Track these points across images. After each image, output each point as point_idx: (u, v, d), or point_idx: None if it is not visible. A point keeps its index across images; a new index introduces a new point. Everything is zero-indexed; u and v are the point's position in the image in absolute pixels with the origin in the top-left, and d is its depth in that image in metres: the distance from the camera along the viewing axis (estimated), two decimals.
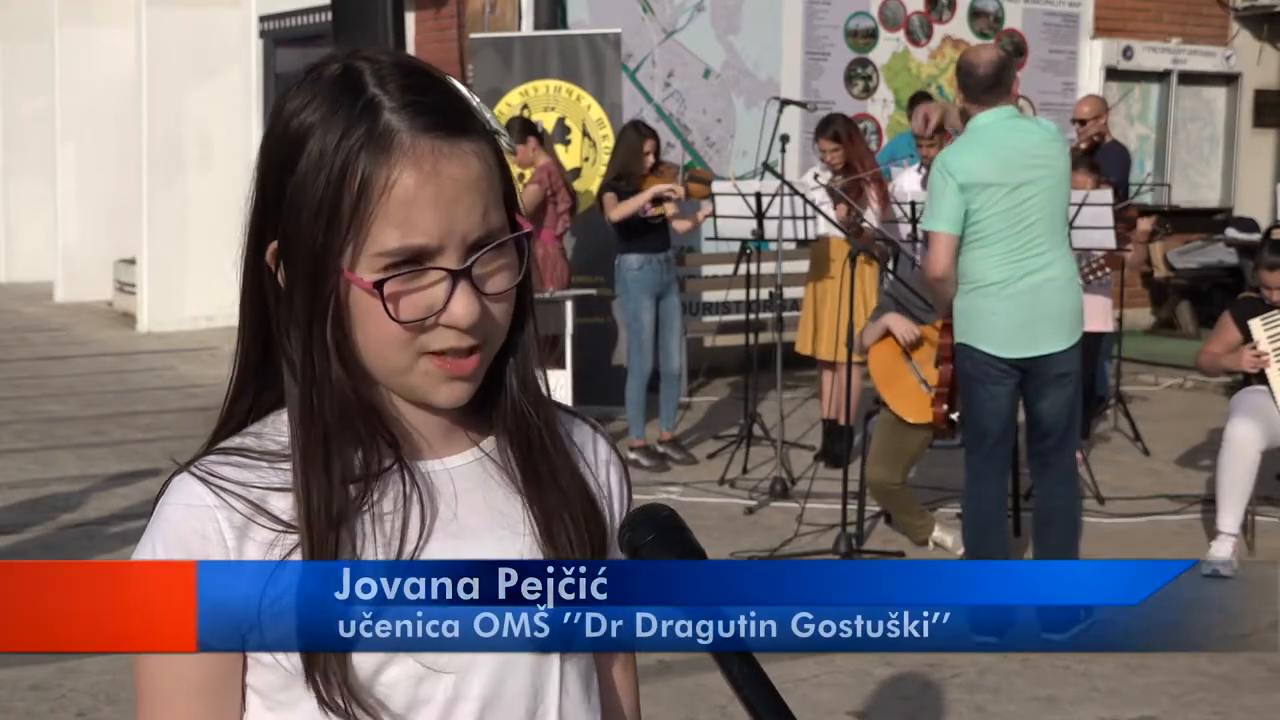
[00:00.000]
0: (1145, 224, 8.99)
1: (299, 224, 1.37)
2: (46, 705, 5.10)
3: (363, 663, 1.37)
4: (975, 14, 13.24)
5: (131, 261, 15.05)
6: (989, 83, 5.90)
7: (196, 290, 14.40)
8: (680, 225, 9.18)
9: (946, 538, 6.96)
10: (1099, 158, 9.55)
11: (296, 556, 1.37)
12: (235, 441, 1.44)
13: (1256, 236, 12.66)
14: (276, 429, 1.45)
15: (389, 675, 1.38)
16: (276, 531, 1.38)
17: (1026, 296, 5.85)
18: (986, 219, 5.85)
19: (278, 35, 12.55)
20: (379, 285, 1.35)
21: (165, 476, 1.45)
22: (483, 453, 1.49)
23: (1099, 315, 8.79)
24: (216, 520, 1.38)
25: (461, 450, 1.48)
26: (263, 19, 12.58)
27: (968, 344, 5.99)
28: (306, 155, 1.37)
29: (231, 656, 1.39)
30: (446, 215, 1.35)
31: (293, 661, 1.37)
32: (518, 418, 1.49)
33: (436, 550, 1.40)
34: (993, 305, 5.88)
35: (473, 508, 1.45)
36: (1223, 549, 6.77)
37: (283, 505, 1.39)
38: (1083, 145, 9.85)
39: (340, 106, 1.37)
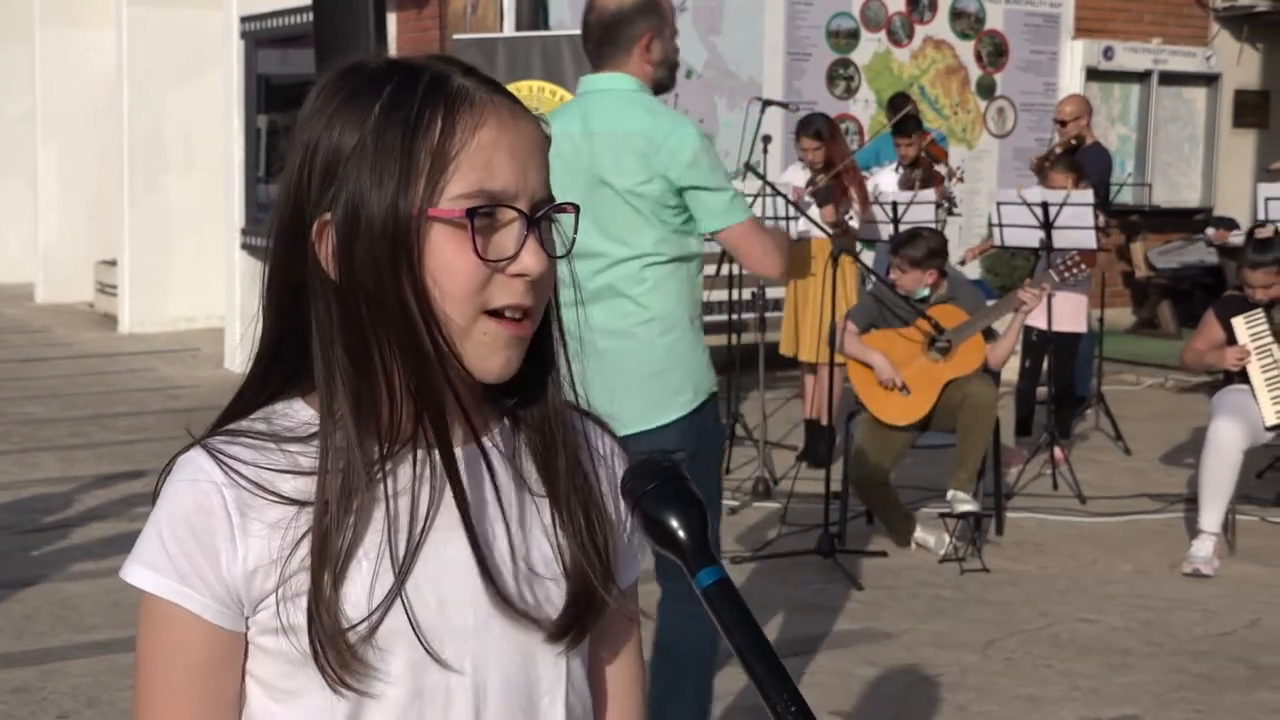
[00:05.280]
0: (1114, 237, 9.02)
1: (368, 181, 1.36)
2: (28, 708, 5.08)
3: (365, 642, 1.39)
4: (956, 14, 13.26)
5: (113, 263, 15.01)
6: (597, 36, 4.07)
7: (178, 292, 14.37)
8: None
9: (929, 538, 6.97)
10: (1079, 158, 9.57)
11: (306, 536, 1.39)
12: (244, 425, 1.45)
13: (1237, 235, 12.71)
14: (287, 415, 1.45)
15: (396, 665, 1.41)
16: (286, 509, 1.39)
17: (588, 349, 3.70)
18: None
19: (259, 36, 12.50)
20: (470, 214, 1.36)
21: (149, 478, 1.45)
22: (495, 441, 1.49)
23: (1072, 315, 8.81)
24: (222, 496, 1.39)
25: (476, 437, 1.47)
26: (244, 20, 12.52)
27: None
28: (371, 124, 1.37)
29: (232, 637, 1.41)
30: (521, 167, 1.39)
31: (300, 644, 1.38)
32: (541, 407, 1.50)
33: (441, 536, 1.41)
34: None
35: (481, 495, 1.45)
36: (1204, 548, 6.80)
37: (290, 486, 1.40)
38: (1058, 149, 9.87)
39: (404, 84, 1.39)
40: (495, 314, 1.38)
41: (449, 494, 1.42)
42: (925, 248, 7.01)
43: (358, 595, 1.38)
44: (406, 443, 1.41)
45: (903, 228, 8.71)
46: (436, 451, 1.42)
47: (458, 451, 1.44)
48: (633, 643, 1.64)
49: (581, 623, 1.48)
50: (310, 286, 1.41)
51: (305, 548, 1.38)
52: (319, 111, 1.41)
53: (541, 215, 1.40)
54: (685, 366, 4.02)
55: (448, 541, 1.42)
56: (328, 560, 1.37)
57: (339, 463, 1.39)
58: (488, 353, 1.39)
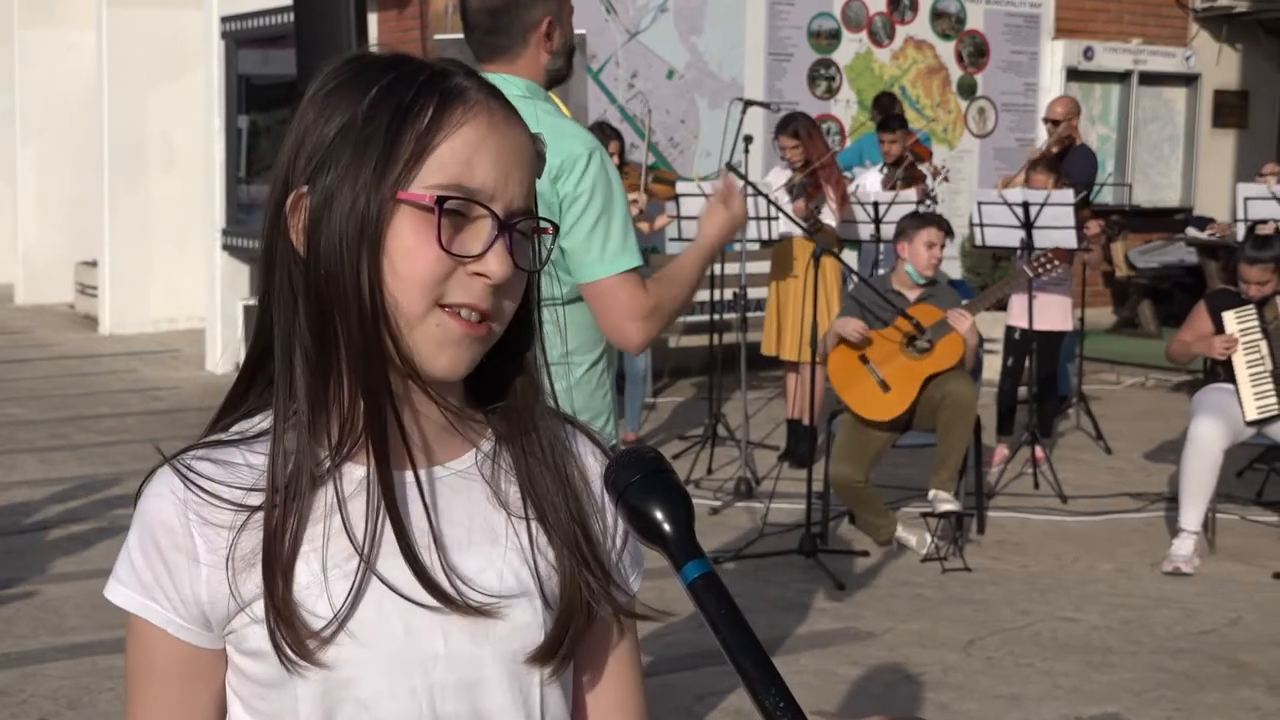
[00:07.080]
0: (1094, 226, 9.04)
1: (348, 159, 1.35)
2: (8, 711, 5.06)
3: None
4: (937, 15, 13.29)
5: (93, 264, 14.96)
6: (484, 24, 3.52)
7: (159, 292, 14.33)
8: (644, 227, 9.18)
9: (910, 537, 6.97)
10: (1068, 159, 9.60)
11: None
12: (223, 436, 1.43)
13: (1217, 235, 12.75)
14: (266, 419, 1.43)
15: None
16: (254, 534, 1.37)
17: None
18: None
19: (239, 36, 12.48)
20: (440, 201, 1.34)
21: (129, 480, 1.45)
22: (473, 461, 1.46)
23: (1059, 314, 8.84)
24: (184, 514, 1.37)
25: (452, 458, 1.45)
26: (225, 20, 12.49)
27: None
28: (365, 104, 1.36)
29: (198, 652, 1.40)
30: (503, 172, 1.37)
31: (266, 668, 1.37)
32: (517, 424, 1.47)
33: (390, 559, 1.38)
34: None
35: (453, 518, 1.42)
36: (1184, 546, 6.82)
37: (255, 500, 1.38)
38: (1054, 149, 9.89)
39: (405, 75, 1.39)
40: (451, 310, 1.36)
41: (411, 516, 1.39)
42: (936, 217, 7.25)
43: (312, 607, 1.36)
44: (363, 464, 1.39)
45: (884, 228, 8.74)
46: (398, 472, 1.40)
47: (438, 471, 1.43)
48: (630, 652, 1.58)
49: (566, 646, 1.44)
50: (278, 260, 1.39)
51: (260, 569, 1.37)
52: (318, 94, 1.40)
53: (514, 224, 1.37)
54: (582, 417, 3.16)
55: (396, 569, 1.38)
56: (277, 569, 1.36)
57: (288, 466, 1.37)
58: (436, 348, 1.36)
